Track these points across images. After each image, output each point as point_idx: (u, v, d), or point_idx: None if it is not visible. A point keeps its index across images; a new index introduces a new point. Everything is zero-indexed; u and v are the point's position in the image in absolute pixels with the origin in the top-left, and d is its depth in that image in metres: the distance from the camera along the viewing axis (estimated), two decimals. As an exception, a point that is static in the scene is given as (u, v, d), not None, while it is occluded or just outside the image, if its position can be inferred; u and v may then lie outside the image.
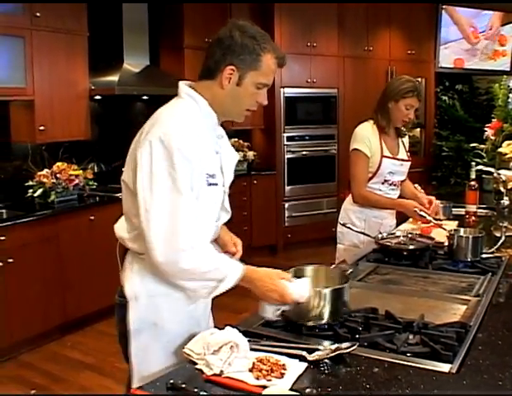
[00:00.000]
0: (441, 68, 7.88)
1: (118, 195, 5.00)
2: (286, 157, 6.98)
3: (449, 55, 7.89)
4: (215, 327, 1.67)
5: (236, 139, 6.88)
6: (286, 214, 7.07)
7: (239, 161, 6.77)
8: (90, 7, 4.97)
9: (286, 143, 6.96)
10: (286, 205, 7.05)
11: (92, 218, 4.65)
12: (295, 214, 7.09)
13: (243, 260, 1.96)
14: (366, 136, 3.31)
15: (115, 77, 5.13)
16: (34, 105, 4.52)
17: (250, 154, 6.92)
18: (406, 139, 3.54)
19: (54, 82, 4.68)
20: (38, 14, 4.44)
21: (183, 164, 1.71)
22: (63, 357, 4.13)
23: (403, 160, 3.42)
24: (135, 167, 1.77)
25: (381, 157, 3.30)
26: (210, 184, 1.82)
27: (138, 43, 5.58)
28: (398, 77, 3.54)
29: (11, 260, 4.00)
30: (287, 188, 7.03)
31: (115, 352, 4.12)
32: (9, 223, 4.10)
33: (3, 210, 4.46)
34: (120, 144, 5.79)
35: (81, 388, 3.64)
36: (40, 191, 4.51)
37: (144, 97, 6.03)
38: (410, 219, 3.40)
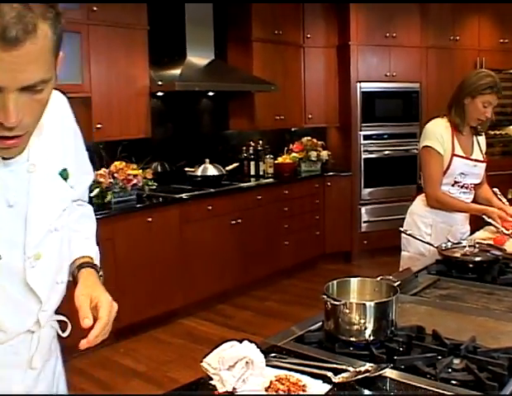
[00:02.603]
0: (540, 57, 7.47)
1: (178, 195, 5.08)
2: (363, 157, 6.86)
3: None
4: (236, 340, 1.61)
5: (309, 138, 6.86)
6: (363, 219, 6.93)
7: (313, 161, 6.73)
8: (150, -1, 5.07)
9: (362, 142, 6.84)
10: (363, 210, 6.92)
11: (150, 219, 4.73)
12: (372, 218, 6.95)
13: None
14: (438, 132, 3.22)
15: (176, 73, 5.19)
16: (91, 102, 4.64)
17: (324, 154, 6.85)
18: (483, 139, 3.40)
19: (112, 78, 4.79)
20: (95, 8, 4.56)
21: None
22: (114, 364, 4.22)
23: (477, 161, 3.28)
24: None
25: (452, 155, 3.20)
26: None
27: (202, 36, 5.63)
28: (476, 70, 3.44)
29: (64, 261, 4.11)
30: (365, 191, 6.90)
31: (168, 361, 4.25)
32: (64, 223, 4.22)
33: (59, 210, 4.59)
34: (184, 143, 5.91)
35: (128, 398, 3.72)
36: (96, 191, 4.62)
37: (210, 93, 6.09)
38: (487, 227, 3.24)
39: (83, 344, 1.35)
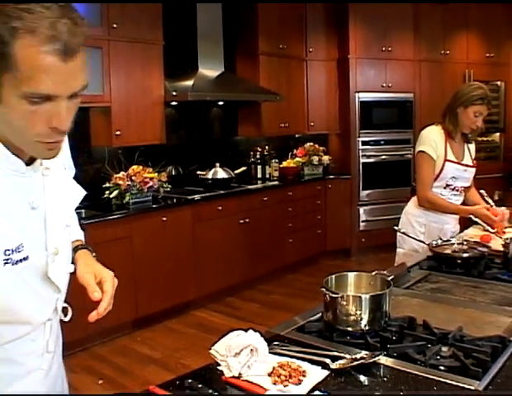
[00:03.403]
0: (521, 70, 7.49)
1: (191, 197, 5.10)
2: (362, 161, 6.84)
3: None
4: (242, 329, 1.62)
5: (312, 144, 6.86)
6: (362, 219, 6.92)
7: (315, 165, 6.73)
8: (165, 17, 5.08)
9: (361, 147, 6.82)
10: (361, 210, 6.91)
11: (165, 219, 4.74)
12: (370, 218, 6.93)
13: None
14: (432, 138, 3.21)
15: (189, 84, 5.21)
16: (111, 111, 4.65)
17: (325, 159, 6.85)
18: (473, 146, 3.39)
19: (130, 89, 4.80)
20: (115, 25, 4.57)
21: None
22: (132, 351, 4.24)
23: (467, 166, 3.27)
24: None
25: (445, 160, 3.20)
26: (15, 262, 1.20)
27: (212, 50, 5.64)
28: (469, 83, 3.43)
29: (85, 257, 4.13)
30: (363, 192, 6.89)
31: (181, 349, 4.26)
32: (86, 222, 4.26)
33: (82, 210, 4.62)
34: (196, 149, 5.93)
35: (145, 382, 3.71)
36: (115, 193, 4.64)
37: (220, 103, 6.10)
38: (474, 226, 3.23)
39: (93, 316, 1.36)
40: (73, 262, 1.47)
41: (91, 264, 1.48)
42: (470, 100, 3.09)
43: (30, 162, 1.24)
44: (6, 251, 1.17)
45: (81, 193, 1.47)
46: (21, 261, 1.21)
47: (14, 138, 1.15)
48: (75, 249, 1.52)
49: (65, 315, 1.44)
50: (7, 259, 1.18)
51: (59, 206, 1.33)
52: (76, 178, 1.51)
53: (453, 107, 3.17)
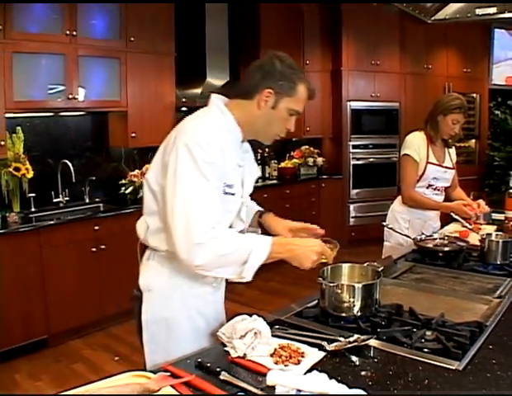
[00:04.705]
0: (494, 84, 7.49)
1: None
2: (352, 163, 6.82)
3: (501, 73, 7.49)
4: (247, 314, 1.62)
5: (307, 147, 6.84)
6: (352, 215, 6.91)
7: (310, 166, 6.73)
8: (177, 31, 5.06)
9: (351, 150, 6.80)
10: (352, 207, 6.89)
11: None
12: (359, 214, 6.92)
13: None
14: (416, 143, 3.21)
15: (197, 91, 5.20)
16: (127, 115, 4.63)
17: (319, 160, 6.84)
18: (453, 150, 3.38)
19: (144, 95, 4.78)
20: (132, 38, 4.56)
21: (208, 168, 1.62)
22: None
23: (447, 167, 3.27)
24: (161, 169, 1.71)
25: (427, 163, 3.19)
26: (226, 193, 1.70)
27: (219, 61, 5.63)
28: (448, 94, 3.44)
29: (103, 246, 4.16)
30: (353, 191, 6.87)
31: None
32: (104, 215, 4.27)
33: (100, 204, 4.63)
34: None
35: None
36: (130, 189, 4.64)
37: (226, 108, 6.08)
38: (454, 223, 3.23)
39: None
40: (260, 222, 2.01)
41: (278, 221, 2.00)
42: (449, 109, 3.09)
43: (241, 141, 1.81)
44: (225, 183, 1.69)
45: (258, 173, 2.03)
46: (229, 194, 1.72)
47: (262, 128, 1.77)
48: (261, 213, 2.04)
49: None
50: (224, 189, 1.69)
51: (250, 173, 1.87)
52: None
53: (434, 115, 3.17)
